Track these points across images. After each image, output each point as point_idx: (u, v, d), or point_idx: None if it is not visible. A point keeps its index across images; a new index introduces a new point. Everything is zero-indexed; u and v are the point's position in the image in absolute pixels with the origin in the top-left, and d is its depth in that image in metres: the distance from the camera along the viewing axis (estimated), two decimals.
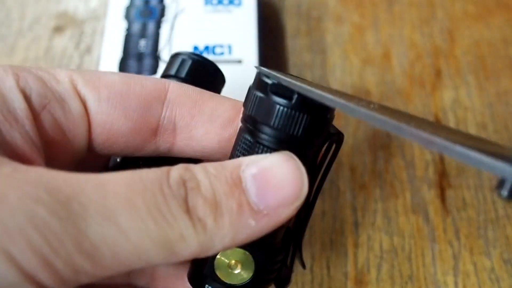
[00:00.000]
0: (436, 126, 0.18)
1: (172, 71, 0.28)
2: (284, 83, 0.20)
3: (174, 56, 0.29)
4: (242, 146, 0.20)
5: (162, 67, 0.38)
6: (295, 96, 0.19)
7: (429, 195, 0.37)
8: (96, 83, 0.21)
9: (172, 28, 0.40)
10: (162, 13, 0.41)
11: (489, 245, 0.34)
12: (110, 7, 0.42)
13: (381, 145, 0.39)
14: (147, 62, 0.39)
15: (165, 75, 0.29)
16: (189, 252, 0.17)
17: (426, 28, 0.46)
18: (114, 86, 0.21)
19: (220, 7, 0.41)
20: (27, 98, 0.19)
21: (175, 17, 0.41)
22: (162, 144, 0.23)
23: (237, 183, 0.18)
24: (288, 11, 0.48)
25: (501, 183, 0.14)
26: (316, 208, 0.36)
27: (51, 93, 0.20)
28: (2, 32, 0.47)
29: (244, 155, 0.20)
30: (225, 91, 0.36)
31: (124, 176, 0.17)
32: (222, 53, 0.38)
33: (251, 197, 0.18)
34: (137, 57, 0.39)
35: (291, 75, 0.23)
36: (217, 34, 0.40)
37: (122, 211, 0.16)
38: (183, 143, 0.23)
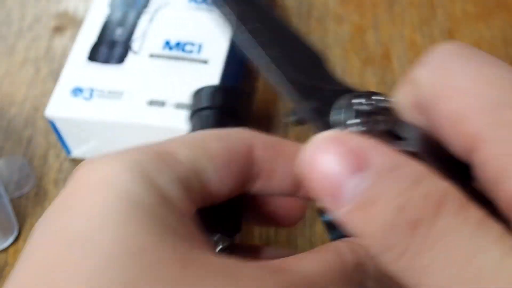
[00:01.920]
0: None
1: (208, 103, 0.31)
2: None
3: (201, 91, 0.32)
4: None
5: (130, 57, 0.38)
6: None
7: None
8: (206, 157, 0.21)
9: (151, 20, 0.40)
10: (145, 4, 0.41)
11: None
12: None
13: None
14: (117, 50, 0.38)
15: (201, 108, 0.31)
16: None
17: (426, 28, 0.46)
18: (228, 155, 0.21)
19: (203, 5, 0.41)
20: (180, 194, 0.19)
21: (157, 10, 0.41)
22: (245, 190, 0.24)
23: None
24: (288, 11, 0.48)
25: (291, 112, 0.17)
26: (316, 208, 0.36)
27: (186, 178, 0.20)
28: (2, 32, 0.47)
29: None
30: (187, 90, 0.35)
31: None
32: (191, 51, 0.38)
33: None
34: (109, 44, 0.39)
35: None
36: (192, 31, 0.39)
37: None
38: (261, 187, 0.24)
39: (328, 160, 0.16)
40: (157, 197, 0.18)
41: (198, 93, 0.32)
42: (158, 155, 0.20)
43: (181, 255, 0.17)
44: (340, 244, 0.20)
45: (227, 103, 0.31)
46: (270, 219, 0.26)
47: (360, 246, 0.20)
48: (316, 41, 0.46)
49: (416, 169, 0.16)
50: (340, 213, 0.16)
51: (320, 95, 0.18)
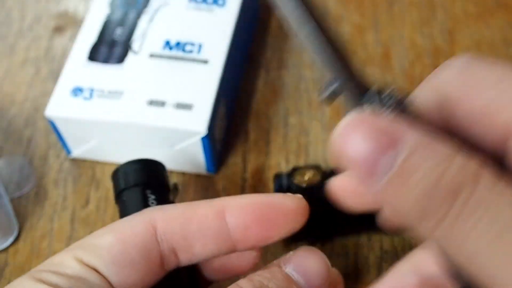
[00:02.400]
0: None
1: (124, 184, 0.31)
2: None
3: (116, 173, 0.32)
4: None
5: (130, 57, 0.38)
6: None
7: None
8: (96, 251, 0.23)
9: (151, 20, 0.40)
10: (145, 4, 0.41)
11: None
12: None
13: None
14: (117, 50, 0.38)
15: (121, 189, 0.31)
16: None
17: (426, 28, 0.46)
18: (112, 249, 0.23)
19: (203, 5, 0.41)
20: None
21: (157, 9, 0.40)
22: (170, 267, 0.25)
23: (289, 278, 0.23)
24: None
25: (326, 86, 0.18)
26: None
27: (76, 280, 0.22)
28: (2, 32, 0.47)
29: None
30: (187, 90, 0.36)
31: None
32: (191, 51, 0.38)
33: (302, 285, 0.23)
34: (109, 44, 0.39)
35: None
36: (192, 31, 0.39)
37: None
38: (187, 259, 0.25)
39: (361, 138, 0.16)
40: None
41: (115, 175, 0.32)
42: (49, 265, 0.23)
43: None
44: (240, 281, 0.23)
45: (142, 179, 0.31)
46: (227, 271, 0.27)
47: (256, 273, 0.23)
48: None
49: (449, 144, 0.16)
50: (376, 188, 0.16)
51: (357, 77, 0.19)
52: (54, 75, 0.43)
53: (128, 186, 0.31)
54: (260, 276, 0.22)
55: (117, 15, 0.40)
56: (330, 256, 0.34)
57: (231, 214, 0.24)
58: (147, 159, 0.32)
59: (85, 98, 0.36)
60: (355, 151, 0.16)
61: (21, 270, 0.35)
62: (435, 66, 0.44)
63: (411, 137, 0.16)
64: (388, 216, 0.21)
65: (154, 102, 0.36)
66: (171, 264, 0.25)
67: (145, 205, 0.29)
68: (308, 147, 0.39)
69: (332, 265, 0.34)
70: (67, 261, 0.23)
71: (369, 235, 0.35)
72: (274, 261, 0.24)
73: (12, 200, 0.37)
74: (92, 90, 0.36)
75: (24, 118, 0.41)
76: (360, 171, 0.16)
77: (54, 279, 0.22)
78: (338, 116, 0.41)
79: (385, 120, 0.17)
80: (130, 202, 0.30)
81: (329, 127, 0.40)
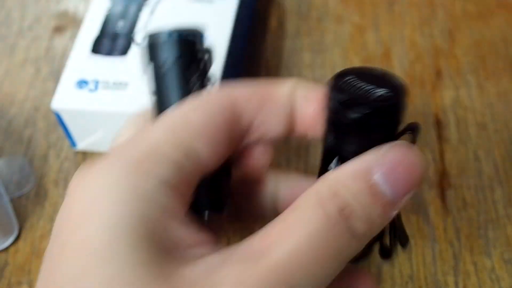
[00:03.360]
0: None
1: (169, 55, 0.27)
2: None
3: (154, 39, 0.27)
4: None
5: (133, 49, 0.38)
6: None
7: (430, 195, 0.37)
8: (195, 132, 0.21)
9: (152, 12, 0.40)
10: None
11: (490, 245, 0.34)
12: None
13: None
14: (120, 42, 0.39)
15: (158, 64, 0.27)
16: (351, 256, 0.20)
17: (426, 28, 0.46)
18: (213, 126, 0.22)
19: None
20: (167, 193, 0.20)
21: (158, 1, 0.41)
22: (241, 147, 0.24)
23: (376, 191, 0.20)
24: (288, 11, 0.48)
25: None
26: None
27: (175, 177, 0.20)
28: (2, 32, 0.47)
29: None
30: None
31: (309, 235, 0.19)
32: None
33: (388, 196, 0.20)
34: (112, 37, 0.39)
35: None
36: (194, 22, 0.40)
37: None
38: (257, 137, 0.24)
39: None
40: (144, 209, 0.19)
41: (151, 44, 0.27)
42: (146, 156, 0.20)
43: (158, 275, 0.18)
44: (321, 189, 0.20)
45: (185, 51, 0.27)
46: (251, 210, 0.26)
47: (342, 183, 0.20)
48: (316, 41, 0.46)
49: None
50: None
51: None
52: (54, 75, 0.43)
53: (174, 58, 0.27)
54: (345, 187, 0.20)
55: (118, 8, 0.41)
56: None
57: (301, 97, 0.24)
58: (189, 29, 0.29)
59: (90, 90, 0.36)
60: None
61: (21, 270, 0.35)
62: (435, 66, 0.44)
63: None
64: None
65: None
66: (242, 145, 0.24)
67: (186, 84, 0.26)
68: (309, 146, 0.39)
69: None
70: (164, 146, 0.20)
71: None
72: (366, 157, 0.21)
73: (12, 200, 0.37)
74: (97, 82, 0.37)
75: (24, 118, 0.41)
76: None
77: (162, 171, 0.20)
78: None
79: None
80: (171, 75, 0.27)
81: None
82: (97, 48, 0.39)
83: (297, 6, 0.48)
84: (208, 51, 0.28)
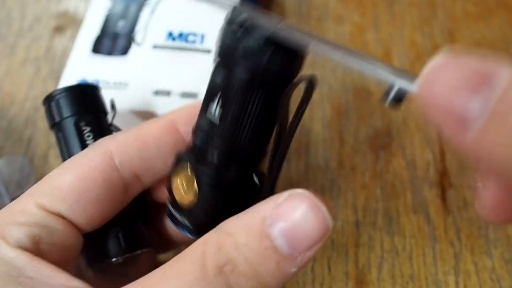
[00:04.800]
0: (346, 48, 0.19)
1: (56, 117, 0.29)
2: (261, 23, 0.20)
3: (49, 100, 0.29)
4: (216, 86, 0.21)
5: (134, 48, 0.38)
6: (268, 34, 0.20)
7: (430, 194, 0.37)
8: (58, 194, 0.22)
9: (152, 12, 0.40)
10: None
11: (490, 245, 0.34)
12: None
13: (382, 145, 0.39)
14: (121, 42, 0.39)
15: (53, 123, 0.29)
16: None
17: (426, 28, 0.46)
18: (74, 188, 0.22)
19: None
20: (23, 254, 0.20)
21: (159, 1, 0.41)
22: (135, 192, 0.24)
23: (267, 246, 0.18)
24: (288, 11, 0.48)
25: (387, 91, 0.17)
26: None
27: (39, 228, 0.21)
28: (2, 32, 0.47)
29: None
30: (191, 80, 0.36)
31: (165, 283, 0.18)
32: (194, 41, 0.39)
33: (284, 251, 0.18)
34: (112, 36, 0.39)
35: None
36: (194, 22, 0.40)
37: None
38: (151, 179, 0.24)
39: (445, 88, 0.14)
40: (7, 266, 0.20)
41: (49, 101, 0.30)
42: (5, 224, 0.21)
43: None
44: (210, 240, 0.19)
45: (73, 109, 0.29)
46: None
47: (231, 235, 0.19)
48: None
49: None
50: (468, 138, 0.14)
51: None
52: (55, 75, 0.43)
53: (61, 119, 0.29)
54: (232, 240, 0.18)
55: (119, 8, 0.41)
56: (330, 257, 0.34)
57: (182, 124, 0.24)
58: (79, 84, 0.31)
59: None
60: (439, 103, 0.14)
61: None
62: None
63: (502, 74, 0.13)
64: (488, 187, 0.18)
65: (160, 91, 0.36)
66: (136, 189, 0.24)
67: (81, 139, 0.28)
68: (309, 146, 0.39)
69: (333, 265, 0.34)
70: (29, 208, 0.22)
71: (369, 234, 0.35)
72: (259, 206, 0.19)
73: (12, 200, 0.37)
74: (97, 82, 0.37)
75: (25, 118, 0.41)
76: (448, 123, 0.14)
77: (17, 233, 0.21)
78: (338, 115, 0.41)
79: (468, 57, 0.14)
80: (65, 135, 0.29)
81: (329, 126, 0.40)
82: (97, 48, 0.39)
83: (297, 6, 0.48)
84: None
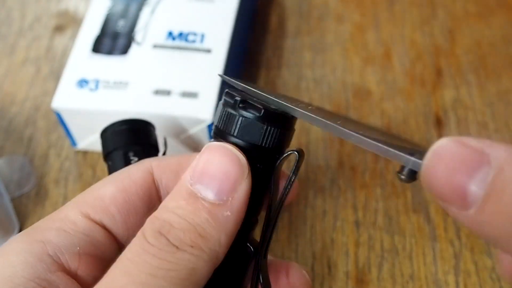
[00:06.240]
0: (358, 124, 0.20)
1: (109, 147, 0.31)
2: (250, 95, 0.22)
3: (106, 133, 0.32)
4: None
5: (134, 48, 0.38)
6: (262, 111, 0.21)
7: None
8: (101, 204, 0.23)
9: (153, 11, 0.40)
10: None
11: (490, 244, 0.34)
12: None
13: None
14: (121, 41, 0.39)
15: (106, 153, 0.31)
16: (205, 273, 0.19)
17: (426, 27, 0.46)
18: (116, 199, 0.23)
19: None
20: (61, 266, 0.21)
21: (159, 1, 0.41)
22: None
23: (195, 200, 0.20)
24: (289, 11, 0.48)
25: (401, 169, 0.19)
26: (317, 207, 0.36)
27: (81, 237, 0.22)
28: (3, 31, 0.47)
29: None
30: (191, 79, 0.37)
31: (119, 268, 0.19)
32: (194, 41, 0.39)
33: (211, 198, 0.20)
34: (112, 36, 0.39)
35: (252, 84, 0.25)
36: (194, 21, 0.40)
37: None
38: None
39: (446, 169, 0.16)
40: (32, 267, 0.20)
41: (104, 134, 0.32)
42: (53, 222, 0.22)
43: None
44: (146, 222, 0.20)
45: (124, 141, 0.31)
46: None
47: (163, 206, 0.20)
48: (317, 40, 0.46)
49: None
50: (469, 214, 0.16)
51: (410, 147, 0.19)
52: (55, 74, 0.43)
53: (112, 150, 0.31)
54: (164, 208, 0.20)
55: (119, 7, 0.41)
56: (330, 256, 0.34)
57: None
58: (134, 119, 0.32)
59: (91, 89, 0.36)
60: (443, 185, 0.16)
61: None
62: (435, 65, 0.44)
63: (497, 155, 0.15)
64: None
65: (160, 91, 0.36)
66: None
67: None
68: (309, 146, 0.39)
69: (333, 265, 0.34)
70: (73, 216, 0.22)
71: (370, 234, 0.35)
72: (186, 172, 0.21)
73: (12, 200, 0.37)
74: (97, 81, 0.37)
75: (25, 118, 0.41)
76: (453, 203, 0.16)
77: (58, 239, 0.21)
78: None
79: (468, 141, 0.16)
80: (114, 164, 0.31)
81: None
82: (97, 47, 0.39)
83: (298, 5, 0.48)
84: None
